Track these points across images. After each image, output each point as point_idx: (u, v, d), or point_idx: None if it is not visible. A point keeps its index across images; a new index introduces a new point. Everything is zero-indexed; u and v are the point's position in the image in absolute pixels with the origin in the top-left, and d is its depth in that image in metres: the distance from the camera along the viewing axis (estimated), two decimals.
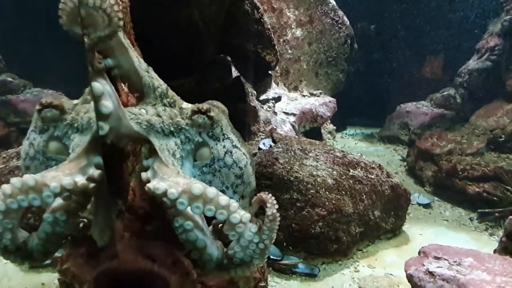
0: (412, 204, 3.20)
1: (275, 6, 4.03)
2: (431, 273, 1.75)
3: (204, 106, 1.40)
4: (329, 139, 4.14)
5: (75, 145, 1.32)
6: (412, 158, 3.74)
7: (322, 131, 4.09)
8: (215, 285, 1.85)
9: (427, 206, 3.19)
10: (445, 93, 4.41)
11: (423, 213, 3.12)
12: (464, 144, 3.37)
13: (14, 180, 1.16)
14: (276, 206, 1.38)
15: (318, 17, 4.21)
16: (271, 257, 2.29)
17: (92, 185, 1.20)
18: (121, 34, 1.21)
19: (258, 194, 1.46)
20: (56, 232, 1.28)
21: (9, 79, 4.48)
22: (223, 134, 1.41)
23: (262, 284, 2.02)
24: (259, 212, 1.53)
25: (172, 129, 1.36)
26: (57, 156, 1.36)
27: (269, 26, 3.12)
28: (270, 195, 1.42)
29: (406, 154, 3.98)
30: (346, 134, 4.90)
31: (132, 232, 1.50)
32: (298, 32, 4.12)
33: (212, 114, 1.37)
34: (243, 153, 1.46)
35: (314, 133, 3.85)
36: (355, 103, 5.05)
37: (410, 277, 1.81)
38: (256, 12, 3.02)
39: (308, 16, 4.17)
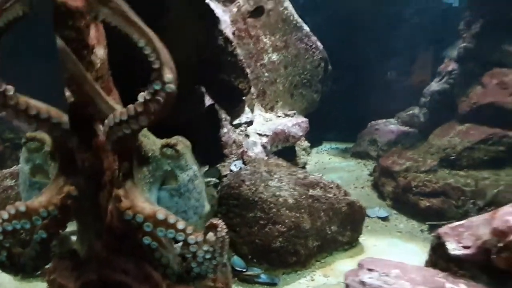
0: (372, 217, 3.54)
1: (252, 33, 4.38)
2: (363, 283, 2.08)
3: (172, 141, 1.73)
4: (303, 155, 4.47)
5: (52, 169, 1.65)
6: (377, 174, 4.08)
7: (297, 148, 4.43)
8: None
9: (385, 219, 3.53)
10: (410, 112, 4.77)
11: (381, 226, 3.45)
12: (420, 162, 3.72)
13: (9, 207, 1.48)
14: (225, 230, 1.71)
15: (293, 43, 4.56)
16: (237, 268, 2.61)
17: (69, 201, 1.52)
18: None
19: (210, 220, 1.80)
20: (44, 250, 1.60)
21: None
22: (187, 165, 1.74)
23: None
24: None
25: (150, 154, 1.69)
26: (40, 181, 1.69)
27: (241, 58, 3.46)
28: (220, 220, 1.75)
29: (372, 170, 4.33)
30: (322, 149, 5.24)
31: (110, 250, 1.82)
32: (274, 57, 4.48)
33: (178, 148, 1.71)
34: (200, 181, 1.81)
35: (287, 151, 4.19)
36: (332, 120, 5.40)
37: (347, 286, 2.13)
38: (229, 46, 3.37)
39: (283, 42, 4.53)
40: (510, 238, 1.97)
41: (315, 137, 5.14)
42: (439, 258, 2.26)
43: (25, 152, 1.69)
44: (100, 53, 1.61)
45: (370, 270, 2.17)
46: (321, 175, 3.26)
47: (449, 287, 2.05)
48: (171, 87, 1.19)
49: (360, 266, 2.23)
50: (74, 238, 1.75)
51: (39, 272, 2.39)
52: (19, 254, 1.60)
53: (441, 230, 2.28)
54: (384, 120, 4.93)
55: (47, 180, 1.63)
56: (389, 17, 5.44)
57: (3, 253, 1.56)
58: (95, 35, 1.73)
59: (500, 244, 1.98)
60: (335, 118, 5.35)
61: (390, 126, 4.74)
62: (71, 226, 1.72)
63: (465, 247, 2.15)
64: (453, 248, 2.17)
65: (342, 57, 5.06)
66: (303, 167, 4.41)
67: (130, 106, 1.30)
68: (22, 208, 1.47)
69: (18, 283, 2.41)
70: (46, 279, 2.14)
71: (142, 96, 1.27)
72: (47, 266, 1.99)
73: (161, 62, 1.19)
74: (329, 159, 4.92)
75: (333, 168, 4.58)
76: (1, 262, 1.59)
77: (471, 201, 3.12)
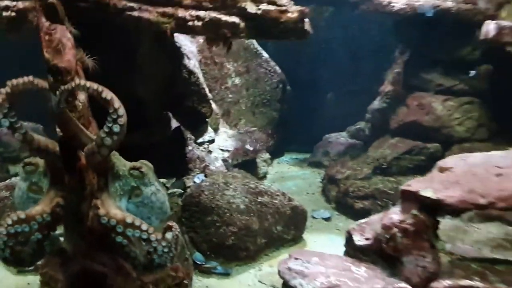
0: (316, 218, 4.21)
1: (217, 61, 5.04)
2: (289, 269, 2.69)
3: (137, 164, 2.34)
4: (263, 166, 5.11)
5: (45, 185, 2.23)
6: (325, 181, 4.76)
7: (258, 160, 5.07)
8: (149, 282, 2.77)
9: (327, 219, 4.20)
10: (357, 126, 5.48)
11: (323, 225, 4.12)
12: (358, 170, 4.41)
13: (13, 215, 2.07)
14: (178, 231, 2.33)
15: (254, 68, 5.24)
16: (197, 262, 3.22)
17: (58, 209, 2.11)
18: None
19: (168, 222, 2.40)
20: (39, 248, 2.18)
21: None
22: (150, 182, 2.35)
23: (186, 282, 2.95)
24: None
25: (120, 173, 2.30)
26: (34, 195, 2.27)
27: (204, 86, 4.10)
28: (175, 223, 2.36)
29: (322, 178, 5.01)
30: (282, 160, 5.90)
31: (91, 247, 2.39)
32: (237, 80, 5.13)
33: (142, 169, 2.32)
34: (163, 194, 2.42)
35: (249, 164, 4.83)
36: (293, 133, 6.06)
37: (279, 272, 2.74)
38: (192, 77, 4.00)
39: (245, 67, 5.19)
40: (393, 231, 2.64)
41: (278, 149, 5.80)
42: (350, 248, 2.92)
43: (23, 173, 2.28)
44: (82, 97, 2.27)
45: (296, 258, 2.80)
46: (270, 184, 3.89)
47: (353, 269, 2.70)
48: (121, 111, 1.84)
49: (290, 256, 2.86)
50: (62, 239, 2.33)
51: (32, 268, 2.92)
52: (19, 251, 2.18)
53: (350, 226, 2.95)
54: (336, 134, 5.62)
55: (41, 193, 2.22)
56: (343, 41, 6.14)
57: (7, 251, 2.14)
58: None
59: (387, 236, 2.66)
60: (296, 132, 6.01)
61: (341, 139, 5.44)
62: (60, 229, 2.30)
63: (366, 239, 2.82)
64: (358, 240, 2.84)
65: (303, 79, 5.77)
66: (264, 177, 5.06)
67: (95, 140, 1.93)
68: (22, 215, 2.08)
69: (14, 276, 2.94)
70: (39, 273, 2.70)
71: (102, 131, 1.91)
72: (39, 263, 2.56)
73: (107, 98, 1.85)
74: (288, 168, 5.58)
75: (291, 177, 5.24)
76: (5, 258, 2.17)
77: (391, 202, 3.80)
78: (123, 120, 1.85)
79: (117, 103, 1.83)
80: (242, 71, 5.15)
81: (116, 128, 1.86)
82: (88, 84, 1.83)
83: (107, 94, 1.83)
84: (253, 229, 3.38)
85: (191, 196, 3.43)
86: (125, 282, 2.45)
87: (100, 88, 1.82)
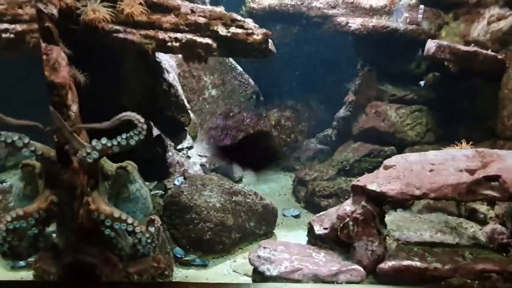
0: (287, 216, 4.63)
1: (194, 74, 5.45)
2: (259, 256, 3.08)
3: (123, 164, 2.71)
4: (239, 170, 5.51)
5: (40, 184, 2.55)
6: (295, 183, 5.21)
7: (234, 164, 5.47)
8: (135, 272, 3.10)
9: (297, 217, 4.62)
10: (325, 133, 5.98)
11: (293, 222, 4.54)
12: (324, 172, 4.88)
13: (11, 212, 2.39)
14: (160, 223, 2.70)
15: (229, 80, 5.67)
16: (177, 255, 3.56)
17: (53, 206, 2.44)
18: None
19: (150, 216, 2.76)
20: (34, 242, 2.50)
21: None
22: (134, 180, 2.72)
23: (167, 272, 3.29)
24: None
25: (109, 173, 2.65)
26: (30, 194, 2.59)
27: (183, 97, 4.49)
28: (157, 217, 2.73)
29: (293, 180, 5.45)
30: None
31: (82, 241, 2.70)
32: (214, 92, 5.55)
33: (128, 169, 2.68)
34: (146, 190, 2.79)
35: (226, 168, 5.22)
36: None
37: (249, 260, 3.13)
38: (172, 89, 4.38)
39: (221, 80, 5.62)
40: (346, 220, 3.08)
41: None
42: (311, 238, 3.35)
43: (21, 173, 2.62)
44: (74, 108, 2.66)
45: (264, 247, 3.20)
46: (244, 185, 4.29)
47: (314, 255, 3.12)
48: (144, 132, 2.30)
49: (259, 246, 3.26)
50: (54, 235, 2.63)
51: (24, 264, 3.18)
52: (16, 246, 2.49)
53: (312, 218, 3.38)
54: (306, 140, 6.11)
55: (36, 192, 2.56)
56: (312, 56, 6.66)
57: (6, 245, 2.46)
58: (71, 97, 2.78)
59: (341, 225, 3.10)
60: None
61: (310, 145, 5.92)
62: (52, 227, 2.60)
63: (325, 228, 3.26)
64: (317, 229, 3.27)
65: (274, 90, 6.25)
66: (240, 180, 5.45)
67: (83, 149, 2.32)
68: (21, 212, 2.41)
69: (8, 272, 3.18)
70: (32, 267, 2.99)
71: (94, 141, 2.31)
72: (32, 259, 2.85)
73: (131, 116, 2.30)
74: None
75: (265, 180, 5.66)
76: (4, 252, 2.48)
77: None
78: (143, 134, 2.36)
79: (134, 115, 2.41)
80: (218, 83, 5.57)
81: (132, 142, 2.36)
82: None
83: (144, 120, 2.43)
84: (228, 225, 3.76)
85: (172, 196, 3.79)
86: (112, 272, 2.80)
87: (138, 116, 2.45)
